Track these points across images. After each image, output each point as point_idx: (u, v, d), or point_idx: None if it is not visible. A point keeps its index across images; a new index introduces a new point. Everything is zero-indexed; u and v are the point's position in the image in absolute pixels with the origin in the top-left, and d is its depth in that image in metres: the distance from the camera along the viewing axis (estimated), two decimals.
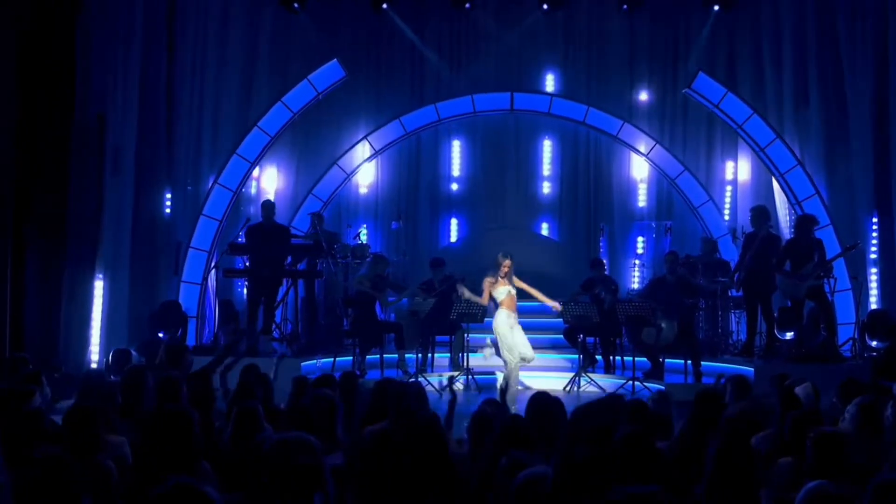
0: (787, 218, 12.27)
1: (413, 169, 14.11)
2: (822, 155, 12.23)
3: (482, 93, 13.47)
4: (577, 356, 10.69)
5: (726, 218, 13.51)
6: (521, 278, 9.75)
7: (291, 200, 13.35)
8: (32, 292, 9.73)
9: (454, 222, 14.27)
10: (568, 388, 10.25)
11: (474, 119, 13.86)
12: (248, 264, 10.69)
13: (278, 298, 10.90)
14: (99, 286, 10.35)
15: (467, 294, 10.01)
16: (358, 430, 5.10)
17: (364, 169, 13.69)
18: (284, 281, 10.97)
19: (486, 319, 10.25)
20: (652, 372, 10.39)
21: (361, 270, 10.94)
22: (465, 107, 13.51)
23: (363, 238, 12.91)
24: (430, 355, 11.08)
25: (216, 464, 4.23)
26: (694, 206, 13.31)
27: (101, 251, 10.35)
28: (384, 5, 13.10)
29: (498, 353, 9.90)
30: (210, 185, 11.46)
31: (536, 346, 10.04)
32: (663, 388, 9.82)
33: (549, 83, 13.94)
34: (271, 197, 12.97)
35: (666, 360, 10.54)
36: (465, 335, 10.60)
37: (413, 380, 9.15)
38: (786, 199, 12.06)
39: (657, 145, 13.37)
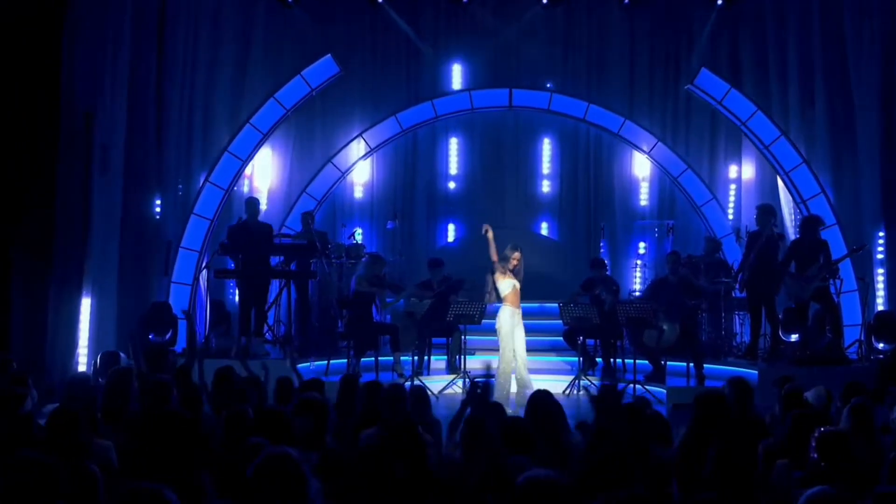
0: (792, 217, 12.29)
1: (409, 167, 14.11)
2: (829, 153, 12.23)
3: (480, 89, 13.48)
4: (576, 358, 10.69)
5: (730, 217, 13.53)
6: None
7: (285, 199, 13.34)
8: (18, 295, 9.71)
9: (451, 222, 14.27)
10: (567, 392, 10.26)
11: (472, 116, 13.87)
12: (236, 265, 10.67)
13: (270, 299, 10.89)
14: (87, 287, 10.34)
15: (494, 251, 9.47)
16: (352, 434, 5.10)
17: (359, 167, 13.69)
18: (277, 281, 10.96)
19: (483, 321, 10.28)
20: (653, 375, 10.40)
21: (359, 271, 10.93)
22: (463, 103, 13.51)
23: (358, 238, 12.91)
24: (426, 358, 11.08)
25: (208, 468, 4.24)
26: (697, 205, 13.31)
27: (89, 251, 10.34)
28: None
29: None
30: (201, 183, 11.45)
31: (535, 348, 10.06)
32: (664, 391, 9.87)
33: (549, 79, 13.91)
34: (264, 196, 13.00)
35: (668, 363, 10.54)
36: (463, 337, 10.59)
37: (409, 383, 9.16)
38: (791, 198, 12.07)
39: (659, 143, 13.38)
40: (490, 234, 9.49)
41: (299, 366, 10.05)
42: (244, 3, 12.68)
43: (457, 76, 13.95)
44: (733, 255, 12.43)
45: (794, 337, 10.76)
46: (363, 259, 11.36)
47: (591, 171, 14.09)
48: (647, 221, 13.94)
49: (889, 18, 11.86)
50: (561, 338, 11.09)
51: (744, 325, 11.67)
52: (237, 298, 11.36)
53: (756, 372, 9.88)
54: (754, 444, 4.69)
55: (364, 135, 13.40)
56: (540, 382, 10.30)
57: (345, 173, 13.46)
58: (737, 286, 11.07)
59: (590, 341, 11.01)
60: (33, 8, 9.77)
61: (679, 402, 9.50)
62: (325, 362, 10.66)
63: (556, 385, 10.27)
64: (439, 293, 10.91)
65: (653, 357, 10.45)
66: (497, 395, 8.58)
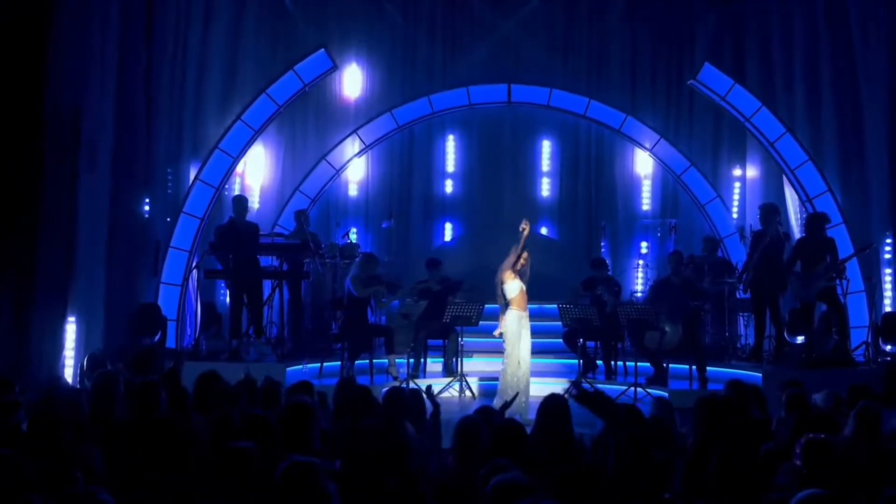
0: (798, 216, 12.28)
1: (405, 165, 14.09)
2: (836, 150, 12.22)
3: (478, 84, 13.47)
4: (576, 361, 10.67)
5: (734, 216, 13.52)
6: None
7: (277, 198, 13.32)
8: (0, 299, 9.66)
9: (448, 220, 14.26)
10: (566, 395, 10.22)
11: (470, 113, 13.86)
12: (225, 265, 10.65)
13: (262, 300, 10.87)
14: (74, 288, 10.30)
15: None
16: (346, 437, 5.09)
17: (354, 164, 13.69)
18: (270, 282, 10.94)
19: (481, 323, 10.26)
20: (655, 378, 10.38)
21: (352, 271, 10.91)
22: (461, 99, 13.51)
23: (353, 238, 12.90)
24: (422, 360, 11.06)
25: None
26: (701, 204, 13.31)
27: (76, 251, 10.30)
28: None
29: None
30: (191, 181, 11.43)
31: (534, 350, 10.00)
32: (666, 394, 9.84)
33: (549, 74, 13.89)
34: (256, 194, 12.98)
35: (670, 366, 10.53)
36: (460, 339, 10.58)
37: (402, 385, 9.14)
38: (797, 197, 12.06)
39: (662, 140, 13.38)
40: (526, 231, 9.27)
41: (291, 368, 10.09)
42: None
43: (454, 71, 13.90)
44: (737, 255, 12.42)
45: (799, 339, 10.74)
46: (357, 259, 11.34)
47: (591, 169, 14.09)
48: (649, 221, 13.94)
49: None
50: (560, 340, 11.07)
51: (748, 327, 11.67)
52: (227, 300, 11.35)
53: (760, 375, 9.87)
54: (756, 447, 4.69)
55: (359, 131, 13.39)
56: (538, 385, 10.30)
57: (339, 171, 13.45)
58: (740, 287, 11.06)
59: (590, 343, 10.99)
60: (18, 0, 9.72)
61: (681, 406, 9.46)
62: (319, 365, 10.64)
63: (556, 388, 10.23)
64: (436, 293, 10.89)
65: (654, 359, 10.44)
66: (499, 401, 8.55)
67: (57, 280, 10.14)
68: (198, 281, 11.42)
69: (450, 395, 10.27)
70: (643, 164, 13.95)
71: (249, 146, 11.69)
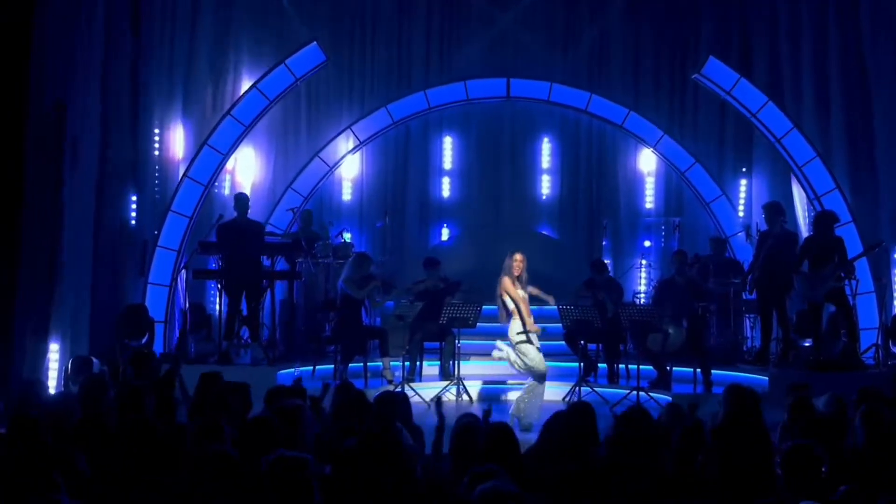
0: (806, 214, 12.28)
1: (401, 162, 14.10)
2: (845, 147, 12.22)
3: (476, 78, 13.46)
4: (576, 364, 10.68)
5: (740, 214, 13.53)
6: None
7: (269, 196, 13.31)
8: None
9: (445, 220, 14.26)
10: (568, 399, 10.24)
11: (468, 109, 13.86)
12: (221, 265, 10.65)
13: None
14: (58, 289, 10.29)
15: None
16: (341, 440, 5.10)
17: (348, 161, 13.69)
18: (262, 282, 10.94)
19: (478, 324, 10.26)
20: (658, 381, 10.37)
21: (345, 272, 10.89)
22: (458, 94, 13.50)
23: (346, 237, 12.90)
24: (418, 363, 11.05)
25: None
26: (706, 202, 13.32)
27: (61, 251, 10.28)
28: None
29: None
30: (179, 178, 11.42)
31: None
32: (670, 398, 9.84)
33: (549, 68, 13.89)
34: (247, 192, 12.94)
35: (673, 369, 10.53)
36: (457, 342, 10.57)
37: (397, 389, 9.13)
38: (804, 195, 12.06)
39: (665, 135, 13.38)
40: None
41: (283, 371, 10.08)
42: None
43: (451, 65, 13.89)
44: (743, 254, 12.42)
45: (807, 341, 10.75)
46: (350, 259, 11.32)
47: (592, 166, 14.10)
48: (652, 219, 13.95)
49: None
50: (561, 342, 11.05)
51: (754, 329, 11.67)
52: (217, 301, 11.33)
53: (767, 378, 9.88)
54: (758, 452, 4.70)
55: (353, 127, 13.39)
56: None
57: (333, 168, 13.46)
58: (746, 288, 11.06)
59: (591, 346, 10.99)
60: None
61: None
62: (311, 368, 10.64)
63: (556, 392, 10.26)
64: (433, 293, 10.88)
65: (658, 362, 10.43)
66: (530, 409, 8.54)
67: (40, 281, 10.13)
68: (186, 281, 11.41)
69: (447, 399, 10.25)
70: (646, 160, 13.97)
71: (240, 142, 11.68)
